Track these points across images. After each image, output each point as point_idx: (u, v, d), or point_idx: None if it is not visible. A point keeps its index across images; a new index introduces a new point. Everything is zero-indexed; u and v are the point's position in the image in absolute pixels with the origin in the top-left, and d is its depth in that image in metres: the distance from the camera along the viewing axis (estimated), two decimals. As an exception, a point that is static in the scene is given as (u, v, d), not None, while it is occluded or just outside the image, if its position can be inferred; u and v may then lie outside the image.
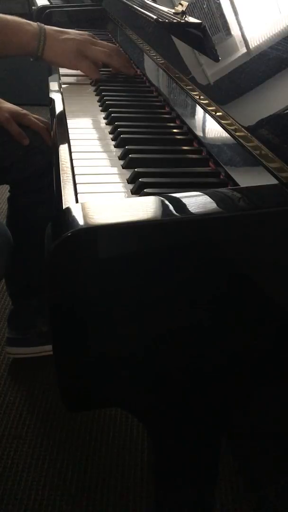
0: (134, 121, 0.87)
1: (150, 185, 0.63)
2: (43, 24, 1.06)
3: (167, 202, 0.51)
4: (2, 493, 1.06)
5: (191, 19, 0.89)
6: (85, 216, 0.48)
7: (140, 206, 0.51)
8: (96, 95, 1.04)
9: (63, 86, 1.10)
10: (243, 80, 0.70)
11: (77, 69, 1.08)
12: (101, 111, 0.95)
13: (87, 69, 1.08)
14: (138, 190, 0.63)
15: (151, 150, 0.76)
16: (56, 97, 1.04)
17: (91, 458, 1.14)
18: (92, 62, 1.08)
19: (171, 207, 0.50)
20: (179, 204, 0.51)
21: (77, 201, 0.62)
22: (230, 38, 0.79)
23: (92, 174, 0.70)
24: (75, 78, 1.15)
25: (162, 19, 0.97)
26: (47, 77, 1.19)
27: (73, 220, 0.48)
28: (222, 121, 0.69)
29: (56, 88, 1.10)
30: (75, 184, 0.66)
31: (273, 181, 0.55)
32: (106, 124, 0.89)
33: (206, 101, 0.76)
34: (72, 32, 1.08)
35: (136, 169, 0.68)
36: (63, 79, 1.13)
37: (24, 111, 1.14)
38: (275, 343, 0.56)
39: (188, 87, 0.83)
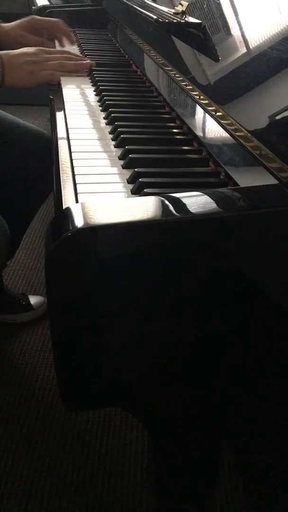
0: (134, 121, 0.87)
1: (150, 185, 0.63)
2: None
3: (167, 202, 0.51)
4: (2, 493, 1.06)
5: (191, 19, 0.89)
6: (85, 216, 0.48)
7: (140, 206, 0.51)
8: (96, 95, 1.04)
9: (63, 84, 1.10)
10: (243, 80, 0.70)
11: (37, 85, 1.10)
12: (101, 111, 0.95)
13: (45, 80, 1.10)
14: (138, 190, 0.63)
15: (151, 150, 0.76)
16: (56, 97, 1.04)
17: (91, 458, 1.14)
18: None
19: (171, 207, 0.50)
20: (179, 204, 0.51)
21: (77, 201, 0.62)
22: (230, 38, 0.79)
23: (92, 174, 0.70)
24: (74, 78, 1.15)
25: (162, 19, 0.97)
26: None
27: (73, 220, 0.48)
28: (222, 121, 0.69)
29: (56, 88, 1.10)
30: (75, 184, 0.66)
31: (273, 181, 0.55)
32: (106, 124, 0.89)
33: (206, 101, 0.76)
34: (24, 52, 1.10)
35: (136, 169, 0.68)
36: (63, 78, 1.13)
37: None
38: (277, 344, 0.56)
39: (188, 87, 0.83)
